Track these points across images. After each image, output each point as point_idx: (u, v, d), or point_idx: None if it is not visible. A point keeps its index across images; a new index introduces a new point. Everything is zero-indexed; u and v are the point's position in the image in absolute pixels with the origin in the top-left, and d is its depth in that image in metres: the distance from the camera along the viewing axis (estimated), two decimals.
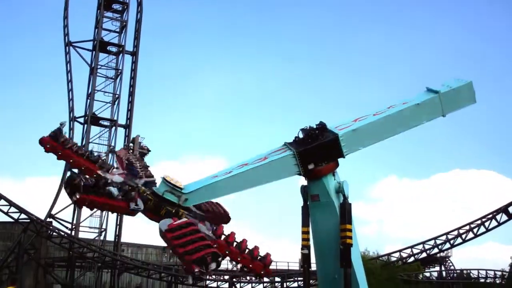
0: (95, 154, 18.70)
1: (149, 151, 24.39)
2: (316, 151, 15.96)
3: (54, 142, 17.57)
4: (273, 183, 16.51)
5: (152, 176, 17.70)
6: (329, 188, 16.11)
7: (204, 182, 15.74)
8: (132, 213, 15.50)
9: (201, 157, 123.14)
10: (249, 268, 15.74)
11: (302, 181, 16.74)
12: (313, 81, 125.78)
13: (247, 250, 15.69)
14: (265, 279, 50.48)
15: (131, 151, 20.13)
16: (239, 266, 15.58)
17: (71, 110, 50.94)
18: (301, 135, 16.57)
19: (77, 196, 14.18)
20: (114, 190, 15.20)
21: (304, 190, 16.71)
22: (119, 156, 19.54)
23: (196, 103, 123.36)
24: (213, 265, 13.01)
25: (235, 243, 15.64)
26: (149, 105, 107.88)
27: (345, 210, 15.91)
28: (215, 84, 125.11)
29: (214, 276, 49.86)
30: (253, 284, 49.81)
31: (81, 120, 51.21)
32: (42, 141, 17.52)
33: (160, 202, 15.49)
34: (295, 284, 48.60)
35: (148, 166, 18.80)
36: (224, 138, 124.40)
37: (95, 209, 47.89)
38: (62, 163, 48.72)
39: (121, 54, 53.43)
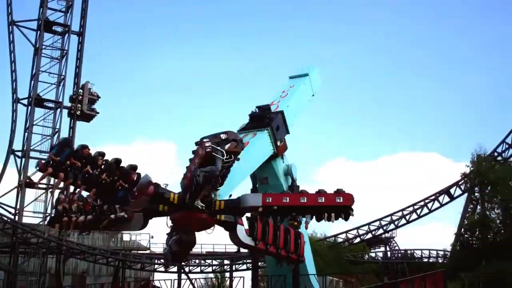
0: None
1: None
2: (278, 128, 16.23)
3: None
4: None
5: None
6: (278, 171, 16.28)
7: None
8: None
9: (152, 141, 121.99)
10: None
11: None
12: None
13: None
14: (214, 262, 50.61)
15: None
16: None
17: (14, 91, 49.65)
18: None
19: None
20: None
21: (254, 173, 16.81)
22: None
23: (144, 86, 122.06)
24: None
25: None
26: (95, 87, 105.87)
27: (293, 193, 16.04)
28: (163, 67, 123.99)
29: (162, 260, 49.64)
30: (202, 267, 49.79)
31: (25, 102, 49.89)
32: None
33: None
34: (244, 267, 48.88)
35: None
36: (173, 122, 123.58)
37: (39, 193, 47.56)
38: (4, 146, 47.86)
39: (66, 34, 52.18)
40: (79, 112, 49.70)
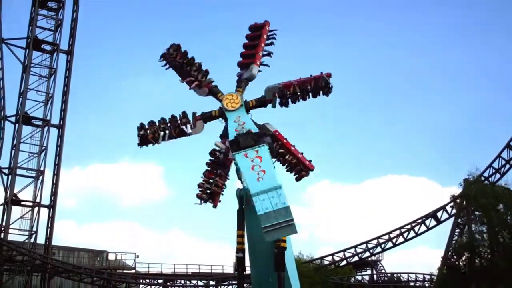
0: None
1: None
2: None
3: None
4: None
5: None
6: None
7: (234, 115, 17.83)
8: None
9: (136, 162, 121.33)
10: None
11: (238, 184, 16.86)
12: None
13: None
14: (200, 283, 50.39)
15: None
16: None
17: (2, 108, 49.50)
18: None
19: None
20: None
21: (239, 193, 16.82)
22: None
23: (131, 106, 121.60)
24: None
25: None
26: (84, 105, 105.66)
27: None
28: (152, 87, 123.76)
29: (147, 280, 49.42)
30: None
31: (13, 119, 49.80)
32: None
33: None
34: None
35: None
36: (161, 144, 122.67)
37: (25, 211, 47.24)
38: None
39: (55, 53, 52.26)
40: None
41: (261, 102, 18.57)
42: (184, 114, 18.48)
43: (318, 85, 18.36)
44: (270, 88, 18.52)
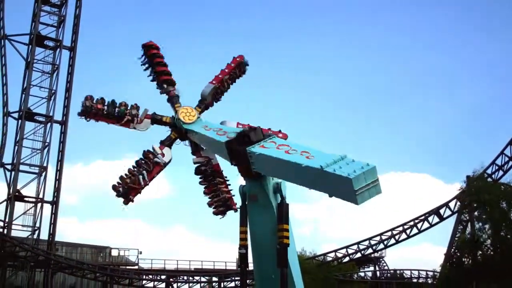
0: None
1: None
2: (235, 154, 16.14)
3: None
4: None
5: None
6: (267, 188, 16.21)
7: (196, 128, 18.77)
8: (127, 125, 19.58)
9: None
10: None
11: (241, 181, 16.84)
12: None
13: None
14: (202, 279, 50.43)
15: None
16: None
17: (5, 104, 49.55)
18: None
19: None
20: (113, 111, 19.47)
21: (242, 190, 16.80)
22: None
23: (134, 102, 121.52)
24: None
25: None
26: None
27: (283, 211, 16.02)
28: (155, 83, 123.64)
29: (150, 276, 49.46)
30: (190, 284, 49.58)
31: (16, 115, 49.77)
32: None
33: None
34: (233, 284, 48.71)
35: None
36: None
37: (28, 207, 47.33)
38: None
39: (58, 49, 52.23)
40: None
41: (206, 106, 20.02)
42: (136, 105, 19.63)
43: (242, 70, 20.67)
44: (207, 91, 20.02)
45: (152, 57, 20.60)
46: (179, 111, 19.29)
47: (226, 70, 20.34)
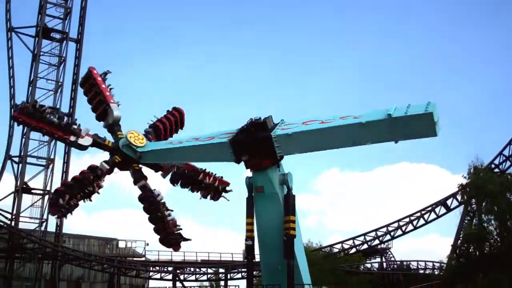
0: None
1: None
2: (249, 146, 16.08)
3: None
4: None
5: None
6: (274, 180, 16.25)
7: (159, 146, 19.40)
8: (75, 145, 21.12)
9: None
10: None
11: (248, 172, 16.88)
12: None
13: None
14: (209, 270, 50.57)
15: None
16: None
17: (12, 97, 49.53)
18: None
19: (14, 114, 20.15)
20: (54, 119, 20.62)
21: (249, 181, 16.82)
22: None
23: (141, 93, 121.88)
24: None
25: None
26: None
27: (289, 202, 16.09)
28: (161, 74, 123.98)
29: (157, 268, 49.61)
30: (197, 276, 49.74)
31: None
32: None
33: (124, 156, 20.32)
34: (239, 275, 48.78)
35: None
36: None
37: (36, 199, 47.49)
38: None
39: (65, 41, 52.21)
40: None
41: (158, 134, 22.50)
42: (77, 123, 21.30)
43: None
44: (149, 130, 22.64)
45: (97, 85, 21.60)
46: (127, 136, 19.87)
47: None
